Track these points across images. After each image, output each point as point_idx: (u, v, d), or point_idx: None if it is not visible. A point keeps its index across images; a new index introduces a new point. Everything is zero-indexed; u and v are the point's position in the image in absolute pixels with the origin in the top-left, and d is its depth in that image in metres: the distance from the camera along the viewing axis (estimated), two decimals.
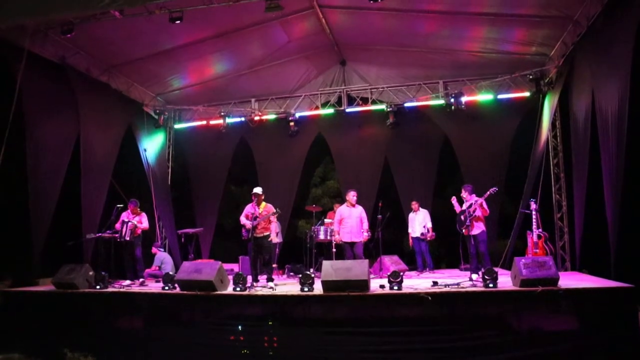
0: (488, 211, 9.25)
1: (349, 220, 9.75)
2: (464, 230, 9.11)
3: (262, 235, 9.07)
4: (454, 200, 9.55)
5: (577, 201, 9.75)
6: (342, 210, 9.98)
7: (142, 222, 9.95)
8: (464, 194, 9.44)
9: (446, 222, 12.69)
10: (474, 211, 9.03)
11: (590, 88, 8.89)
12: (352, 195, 9.94)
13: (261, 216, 9.00)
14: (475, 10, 9.59)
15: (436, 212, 12.27)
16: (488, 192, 9.03)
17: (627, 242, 7.72)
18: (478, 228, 9.06)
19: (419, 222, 11.43)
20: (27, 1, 7.94)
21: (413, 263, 11.86)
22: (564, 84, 10.31)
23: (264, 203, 9.22)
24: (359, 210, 9.91)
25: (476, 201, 9.13)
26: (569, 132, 10.47)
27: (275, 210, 9.06)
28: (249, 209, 9.23)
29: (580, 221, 9.56)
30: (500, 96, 12.01)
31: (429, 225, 11.36)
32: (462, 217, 9.15)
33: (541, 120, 11.38)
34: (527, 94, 11.72)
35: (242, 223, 9.19)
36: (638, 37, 7.24)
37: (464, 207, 9.27)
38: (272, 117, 13.24)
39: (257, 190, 9.25)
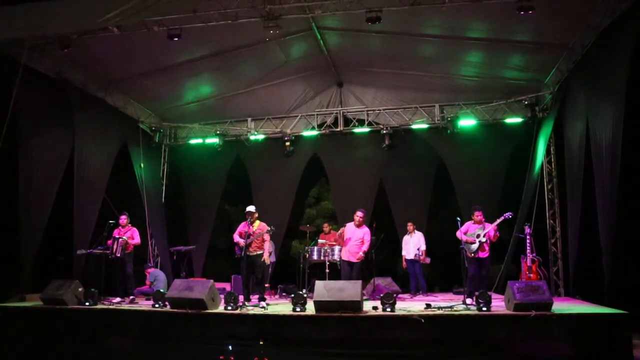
0: (497, 236, 9.06)
1: (352, 240, 9.55)
2: (472, 255, 8.87)
3: (255, 253, 9.04)
4: (462, 237, 9.09)
5: (571, 227, 9.76)
6: (348, 227, 9.75)
7: (134, 237, 9.87)
8: (480, 217, 9.19)
9: (440, 245, 12.67)
10: (485, 237, 8.84)
11: (585, 115, 8.96)
12: (356, 215, 9.70)
13: (255, 234, 8.96)
14: (472, 35, 9.69)
15: (430, 235, 12.24)
16: (502, 217, 8.89)
17: (621, 268, 7.71)
18: (486, 252, 8.91)
19: (414, 244, 11.38)
20: (25, 16, 7.97)
21: (406, 285, 11.78)
22: (559, 110, 10.40)
23: (257, 221, 9.20)
24: (363, 232, 9.64)
25: (488, 227, 8.93)
26: (563, 158, 10.51)
27: (269, 229, 9.02)
28: (242, 227, 9.21)
29: (574, 247, 9.55)
30: (495, 121, 12.09)
31: (423, 247, 11.30)
32: (472, 241, 8.90)
33: (536, 146, 11.45)
34: (522, 119, 11.80)
35: (235, 241, 9.18)
36: (632, 66, 7.33)
37: (473, 230, 9.03)
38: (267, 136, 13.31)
39: (251, 208, 9.24)
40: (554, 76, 10.60)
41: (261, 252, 9.09)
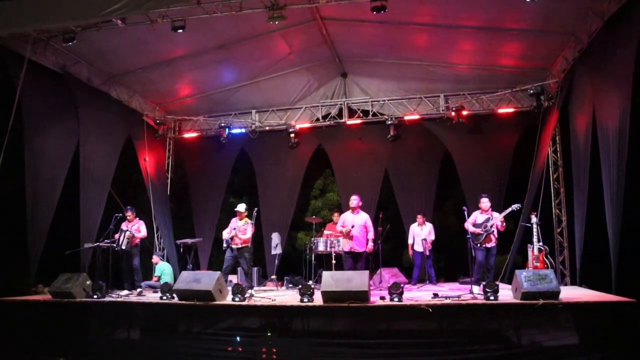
0: (504, 227, 9.11)
1: (354, 228, 9.53)
2: (478, 244, 8.93)
3: (240, 246, 9.68)
4: (470, 228, 9.20)
5: (578, 216, 9.73)
6: (345, 216, 9.85)
7: (140, 229, 9.93)
8: (487, 204, 9.21)
9: (446, 236, 12.65)
10: (492, 227, 8.87)
11: (591, 103, 8.91)
12: (352, 199, 9.78)
13: (238, 228, 9.67)
14: (476, 24, 9.63)
15: (436, 226, 12.22)
16: (510, 209, 8.91)
17: (627, 257, 7.69)
18: (493, 241, 8.93)
19: (424, 236, 11.36)
20: (28, 10, 7.96)
21: (410, 276, 11.77)
22: (565, 99, 10.33)
23: (245, 219, 9.70)
24: (363, 218, 9.67)
25: (496, 218, 8.97)
26: (569, 147, 10.47)
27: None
28: (232, 223, 9.88)
29: (580, 236, 9.53)
30: (500, 110, 12.04)
31: (432, 238, 11.29)
32: (479, 232, 8.95)
33: (541, 135, 11.39)
34: (527, 108, 11.75)
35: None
36: (639, 53, 7.26)
37: (480, 220, 9.05)
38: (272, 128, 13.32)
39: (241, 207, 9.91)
40: (559, 65, 10.53)
41: (244, 245, 9.59)
